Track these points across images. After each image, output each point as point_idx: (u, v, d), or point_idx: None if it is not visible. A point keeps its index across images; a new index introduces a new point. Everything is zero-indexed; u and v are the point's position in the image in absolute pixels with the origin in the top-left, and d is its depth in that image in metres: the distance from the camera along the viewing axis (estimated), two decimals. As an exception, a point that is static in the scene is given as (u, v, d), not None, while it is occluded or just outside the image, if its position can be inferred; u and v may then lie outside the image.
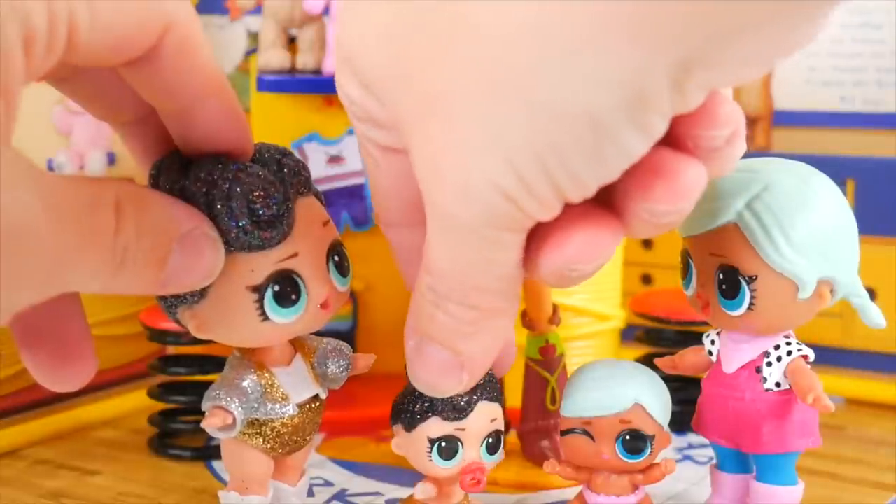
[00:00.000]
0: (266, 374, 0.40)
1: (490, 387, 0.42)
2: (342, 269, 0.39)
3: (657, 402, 0.42)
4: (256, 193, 0.36)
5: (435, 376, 0.34)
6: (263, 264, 0.37)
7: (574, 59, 0.27)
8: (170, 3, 0.32)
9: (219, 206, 0.35)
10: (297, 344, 0.42)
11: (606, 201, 0.31)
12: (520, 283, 0.32)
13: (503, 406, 0.43)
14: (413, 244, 0.35)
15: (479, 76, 0.28)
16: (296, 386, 0.41)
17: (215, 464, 0.56)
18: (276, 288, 0.37)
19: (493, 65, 0.28)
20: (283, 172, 0.37)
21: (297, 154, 0.43)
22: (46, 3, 0.28)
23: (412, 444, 0.42)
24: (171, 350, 0.61)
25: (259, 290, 0.37)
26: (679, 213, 0.30)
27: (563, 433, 0.43)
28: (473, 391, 0.41)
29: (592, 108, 0.27)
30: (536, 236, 0.31)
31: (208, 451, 0.56)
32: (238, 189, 0.35)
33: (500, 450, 0.43)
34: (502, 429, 0.43)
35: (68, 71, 0.34)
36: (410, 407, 0.42)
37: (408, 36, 0.30)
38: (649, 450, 0.42)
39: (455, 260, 0.31)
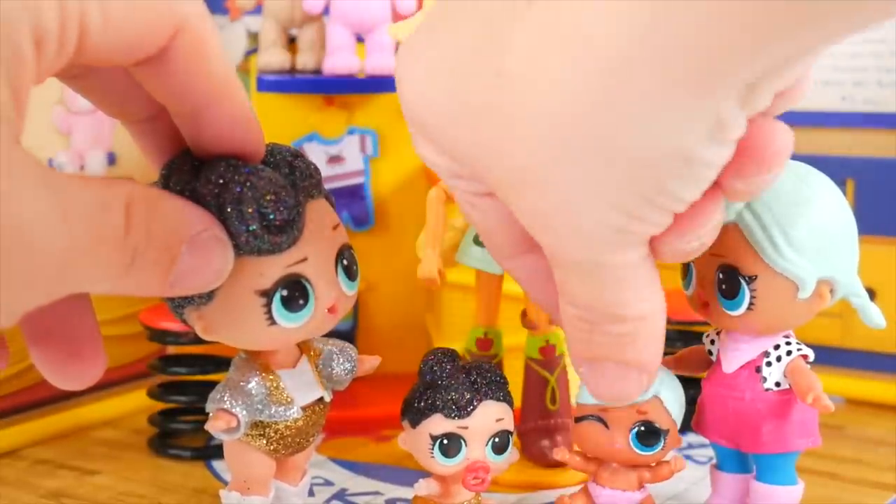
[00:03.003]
0: (271, 377, 0.40)
1: (496, 386, 0.42)
2: (350, 274, 0.39)
3: (674, 399, 0.42)
4: (268, 198, 0.35)
5: (617, 389, 0.35)
6: (272, 268, 0.36)
7: (654, 102, 0.28)
8: (182, 4, 0.32)
9: (229, 210, 0.35)
10: (302, 346, 0.42)
11: None
12: (657, 280, 0.33)
13: (512, 406, 0.43)
14: (532, 270, 0.36)
15: (558, 141, 0.29)
16: (300, 388, 0.41)
17: (215, 464, 0.56)
18: (285, 293, 0.37)
19: (570, 123, 0.29)
20: (295, 175, 0.37)
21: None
22: (58, 2, 0.28)
23: (416, 441, 0.42)
24: (171, 350, 0.61)
25: (267, 294, 0.37)
26: (768, 180, 0.32)
27: (578, 420, 0.43)
28: (477, 390, 0.41)
29: (682, 146, 0.29)
30: None
31: (208, 451, 0.56)
32: (249, 193, 0.35)
33: (510, 450, 0.43)
34: (510, 429, 0.43)
35: (79, 69, 0.34)
36: (416, 403, 0.42)
37: (476, 113, 0.31)
38: (662, 444, 0.42)
39: (593, 291, 0.32)
